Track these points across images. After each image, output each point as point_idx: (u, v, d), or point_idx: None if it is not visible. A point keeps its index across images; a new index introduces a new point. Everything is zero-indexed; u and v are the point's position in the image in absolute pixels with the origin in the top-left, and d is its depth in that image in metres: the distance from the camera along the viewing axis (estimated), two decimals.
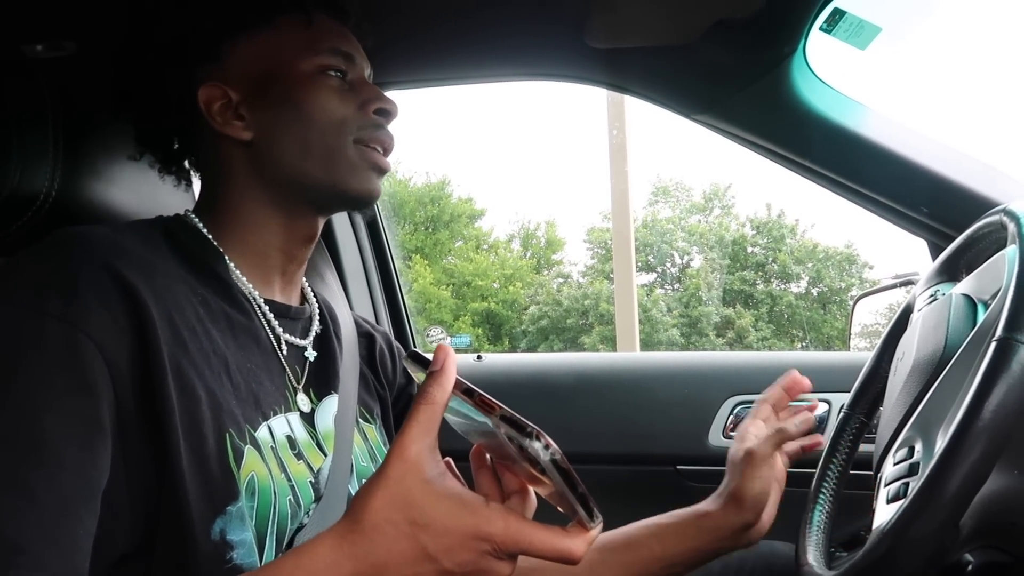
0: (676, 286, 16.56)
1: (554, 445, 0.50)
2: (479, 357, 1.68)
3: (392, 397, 0.93)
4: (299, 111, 0.75)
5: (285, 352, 0.76)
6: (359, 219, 1.63)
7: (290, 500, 0.68)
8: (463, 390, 0.54)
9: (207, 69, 0.75)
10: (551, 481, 0.52)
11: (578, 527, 0.53)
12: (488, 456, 0.59)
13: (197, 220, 0.76)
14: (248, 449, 0.66)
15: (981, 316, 0.70)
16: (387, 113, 0.79)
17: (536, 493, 0.57)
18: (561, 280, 17.43)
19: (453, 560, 0.52)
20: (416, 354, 0.57)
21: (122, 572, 0.61)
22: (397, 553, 0.52)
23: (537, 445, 0.50)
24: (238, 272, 0.75)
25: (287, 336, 0.77)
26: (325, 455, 0.75)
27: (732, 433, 1.41)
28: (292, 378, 0.76)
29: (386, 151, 0.79)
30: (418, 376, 0.56)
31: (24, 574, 0.52)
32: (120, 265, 0.62)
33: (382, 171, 0.78)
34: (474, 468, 0.59)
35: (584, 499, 0.52)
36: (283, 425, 0.71)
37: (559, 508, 0.56)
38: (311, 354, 0.80)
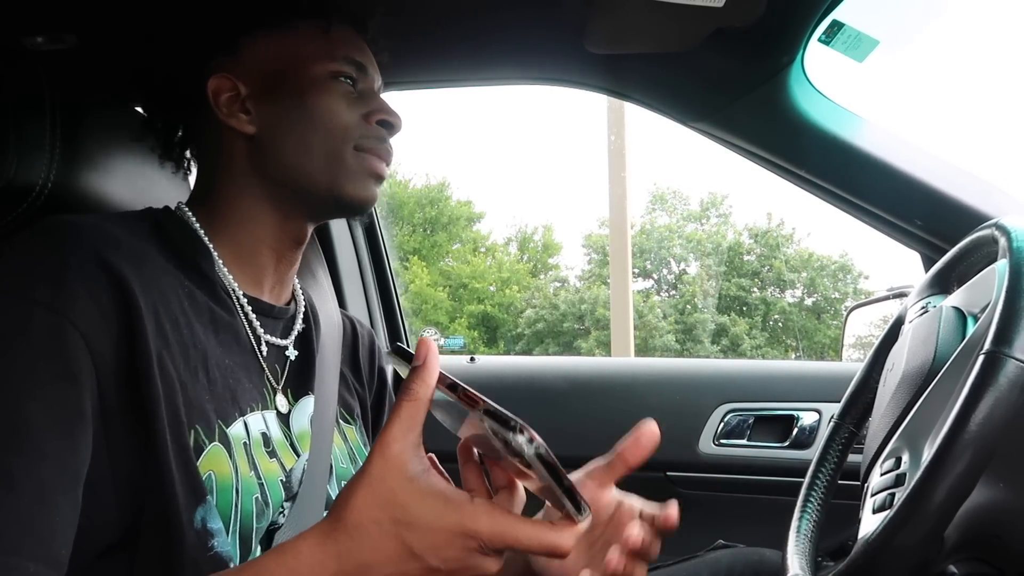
0: (672, 292, 16.58)
1: (538, 439, 0.50)
2: (472, 359, 1.69)
3: (371, 399, 0.93)
4: (305, 112, 0.75)
5: (265, 352, 0.76)
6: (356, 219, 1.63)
7: (256, 498, 0.68)
8: (447, 384, 0.53)
9: (220, 60, 0.76)
10: (537, 475, 0.52)
11: (566, 520, 0.53)
12: (476, 451, 0.58)
13: (189, 213, 0.76)
14: (214, 446, 0.66)
15: (971, 329, 0.70)
16: (390, 126, 0.79)
17: (525, 488, 0.57)
18: (558, 284, 17.43)
19: (439, 557, 0.51)
20: (400, 348, 0.57)
21: (107, 562, 0.61)
22: (382, 552, 0.51)
23: (521, 439, 0.49)
24: (224, 269, 0.75)
25: (267, 336, 0.77)
26: (298, 455, 0.75)
27: (723, 440, 1.42)
28: (271, 378, 0.76)
29: (384, 163, 0.79)
30: (402, 371, 0.56)
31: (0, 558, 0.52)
32: (110, 254, 0.62)
33: (379, 178, 0.79)
34: (461, 462, 0.58)
35: (571, 492, 0.51)
36: (259, 422, 0.71)
37: (547, 502, 0.55)
38: (292, 353, 0.80)
